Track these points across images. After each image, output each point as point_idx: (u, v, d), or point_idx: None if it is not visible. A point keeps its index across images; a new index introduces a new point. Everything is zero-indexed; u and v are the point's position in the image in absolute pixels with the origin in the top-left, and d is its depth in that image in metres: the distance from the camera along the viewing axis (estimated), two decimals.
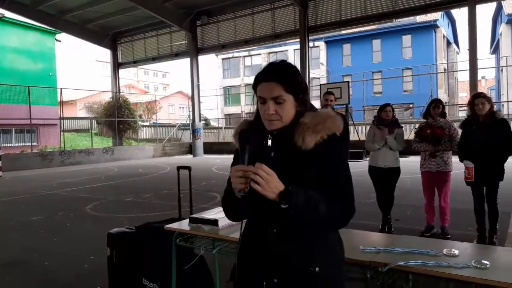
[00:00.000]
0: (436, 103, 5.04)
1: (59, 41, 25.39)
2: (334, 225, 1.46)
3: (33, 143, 20.73)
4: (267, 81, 1.44)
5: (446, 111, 5.45)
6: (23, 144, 21.36)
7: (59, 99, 21.91)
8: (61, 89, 21.55)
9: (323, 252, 1.43)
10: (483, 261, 1.91)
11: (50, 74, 24.33)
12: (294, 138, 1.43)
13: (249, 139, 1.45)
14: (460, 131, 4.76)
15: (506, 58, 26.60)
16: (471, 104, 4.47)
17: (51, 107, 22.56)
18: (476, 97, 4.46)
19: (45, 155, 18.26)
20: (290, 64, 1.52)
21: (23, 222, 6.73)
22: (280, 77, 1.43)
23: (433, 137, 4.87)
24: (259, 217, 1.49)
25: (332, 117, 1.48)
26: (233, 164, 1.52)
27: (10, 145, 21.10)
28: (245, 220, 1.58)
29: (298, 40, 18.23)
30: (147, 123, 30.17)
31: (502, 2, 25.77)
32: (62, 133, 20.89)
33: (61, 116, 22.06)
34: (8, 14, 20.96)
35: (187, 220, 2.97)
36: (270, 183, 1.29)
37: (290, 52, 35.64)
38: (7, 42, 22.36)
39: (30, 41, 23.58)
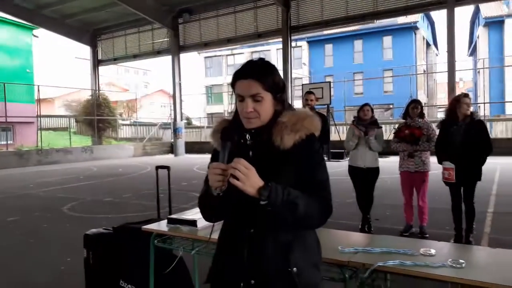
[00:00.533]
0: (415, 104, 5.12)
1: (37, 36, 24.91)
2: (312, 223, 1.45)
3: (9, 142, 20.21)
4: (245, 78, 1.43)
5: (425, 112, 5.53)
6: None
7: (36, 97, 21.40)
8: (38, 86, 21.07)
9: (301, 252, 1.43)
10: (459, 260, 1.94)
11: (28, 70, 23.78)
12: (272, 137, 1.42)
13: (231, 137, 1.44)
14: (437, 131, 4.83)
15: (483, 61, 27.34)
16: (457, 102, 4.47)
17: (28, 104, 22.03)
18: (465, 96, 4.52)
19: (21, 154, 17.83)
20: (268, 62, 1.50)
21: None
22: (258, 75, 1.42)
23: (411, 137, 4.94)
24: (236, 217, 1.48)
25: (310, 117, 1.47)
26: (210, 163, 1.50)
27: None
28: (218, 222, 1.56)
29: (281, 39, 18.29)
30: (128, 122, 29.77)
31: (479, 5, 26.43)
32: (39, 132, 20.40)
33: (39, 114, 21.54)
34: None
35: (165, 221, 2.93)
36: (249, 178, 1.28)
37: (273, 51, 35.73)
38: None
39: (6, 36, 22.99)
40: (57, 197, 9.03)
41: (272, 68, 1.49)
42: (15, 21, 22.32)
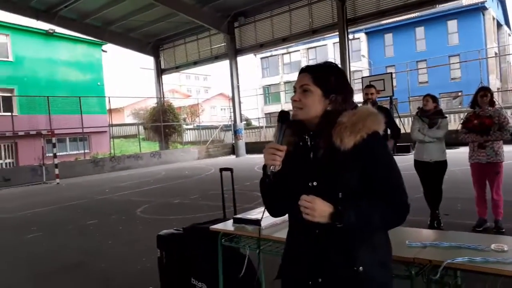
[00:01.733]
0: (484, 91, 4.79)
1: (105, 51, 26.58)
2: (388, 228, 1.48)
3: (86, 151, 21.89)
4: (302, 72, 1.53)
5: (499, 97, 5.21)
6: (77, 152, 22.60)
7: (107, 107, 22.97)
8: (109, 97, 22.60)
9: (368, 251, 1.42)
10: None
11: (99, 83, 25.53)
12: (332, 138, 1.42)
13: (287, 119, 1.50)
14: None
15: None
16: None
17: (100, 115, 23.68)
18: None
19: (97, 161, 19.20)
20: (330, 63, 1.55)
21: (80, 226, 7.16)
22: (311, 69, 1.51)
23: (481, 127, 4.65)
24: (301, 218, 1.47)
25: (372, 115, 1.45)
26: None
27: (65, 153, 22.38)
28: (279, 215, 1.65)
29: (337, 33, 17.94)
30: (191, 126, 30.89)
31: None
32: (111, 140, 21.90)
33: (110, 123, 23.13)
34: (58, 29, 22.23)
35: (231, 221, 3.05)
36: (315, 209, 1.33)
37: (329, 46, 35.07)
38: (59, 56, 23.72)
39: (79, 53, 24.87)
40: (131, 200, 9.65)
41: (330, 67, 1.52)
42: (86, 39, 24.10)
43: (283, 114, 1.51)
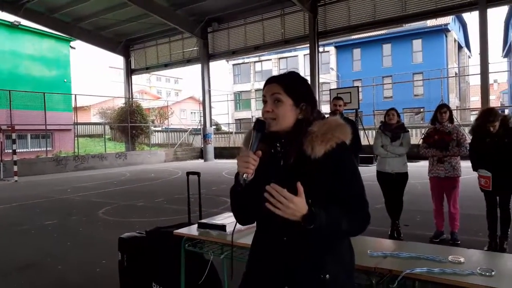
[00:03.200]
0: (443, 108, 5.03)
1: (74, 48, 25.84)
2: (352, 234, 1.50)
3: (48, 148, 21.12)
4: (270, 83, 1.53)
5: (458, 115, 5.44)
6: (39, 149, 21.78)
7: (73, 105, 22.30)
8: (75, 95, 21.95)
9: (334, 259, 1.44)
10: (489, 269, 1.91)
11: (65, 80, 24.75)
12: (303, 146, 1.44)
13: (262, 128, 1.48)
14: (470, 137, 4.72)
15: None
16: (482, 121, 4.34)
17: (65, 113, 22.94)
18: (489, 114, 4.34)
19: (59, 160, 18.57)
20: (297, 74, 1.58)
21: (37, 226, 6.88)
22: (281, 79, 1.52)
23: (440, 143, 4.87)
24: (269, 225, 1.50)
25: (340, 126, 1.49)
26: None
27: (26, 150, 21.49)
28: (248, 224, 1.62)
29: (308, 45, 18.30)
30: (159, 128, 30.45)
31: None
32: (76, 138, 21.23)
33: (75, 121, 22.43)
34: (24, 22, 21.42)
35: (196, 225, 3.03)
36: (288, 208, 1.30)
37: (300, 57, 35.65)
38: (23, 50, 22.81)
39: (46, 48, 24.03)
40: (93, 201, 9.38)
41: (299, 78, 1.56)
42: (54, 34, 23.33)
43: (259, 123, 1.50)
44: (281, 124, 1.49)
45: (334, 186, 1.43)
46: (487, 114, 4.42)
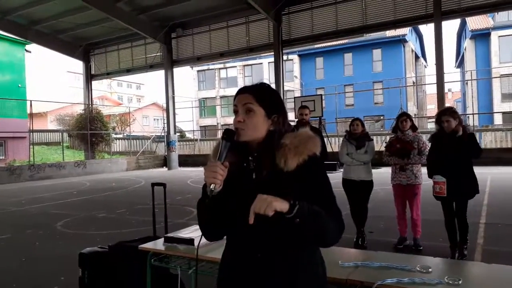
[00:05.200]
0: (404, 117, 5.18)
1: (29, 51, 24.83)
2: (331, 238, 1.44)
3: (1, 157, 20.03)
4: (242, 93, 1.51)
5: (416, 123, 5.61)
6: None
7: (28, 111, 21.30)
8: (30, 101, 20.97)
9: (307, 275, 1.43)
10: (456, 277, 1.98)
11: (20, 85, 23.68)
12: (275, 159, 1.43)
13: (231, 138, 1.45)
14: (429, 144, 4.85)
15: (471, 72, 27.79)
16: (438, 119, 4.45)
17: (20, 119, 21.91)
18: (442, 114, 4.44)
19: (13, 169, 17.65)
20: (268, 85, 1.57)
21: None
22: (253, 89, 1.50)
23: (402, 151, 5.01)
24: (243, 242, 1.47)
25: (312, 138, 1.49)
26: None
27: None
28: (215, 239, 1.59)
29: (273, 53, 18.50)
30: (121, 136, 29.68)
31: (466, 18, 26.96)
32: (31, 147, 20.25)
33: (31, 128, 21.42)
34: None
35: (162, 240, 2.93)
36: (268, 201, 1.26)
37: (265, 65, 35.99)
38: None
39: None
40: (50, 213, 8.95)
41: (270, 89, 1.55)
42: (8, 36, 22.33)
43: (229, 132, 1.47)
44: (251, 134, 1.46)
45: (307, 198, 1.41)
46: (442, 110, 4.60)
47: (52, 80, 47.64)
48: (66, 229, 7.20)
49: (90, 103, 24.43)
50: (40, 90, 35.22)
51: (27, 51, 24.61)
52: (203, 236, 1.58)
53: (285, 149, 1.43)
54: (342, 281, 2.06)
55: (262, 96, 1.49)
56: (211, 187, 1.37)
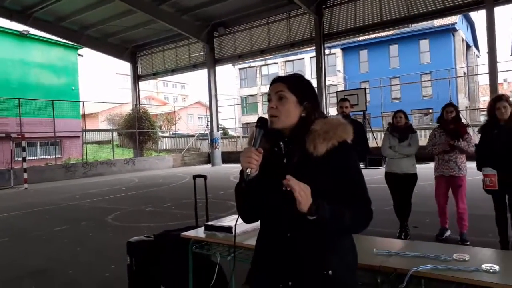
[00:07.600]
0: (449, 108, 4.99)
1: (81, 55, 26.14)
2: (356, 230, 1.53)
3: (57, 156, 21.33)
4: (275, 82, 1.59)
5: (467, 115, 5.40)
6: (48, 156, 22.02)
7: (81, 112, 22.53)
8: (83, 102, 22.19)
9: (337, 256, 1.47)
10: (493, 266, 1.92)
11: (73, 88, 25.03)
12: (305, 145, 1.48)
13: (265, 125, 1.53)
14: (478, 136, 4.62)
15: None
16: (491, 107, 4.18)
17: (74, 120, 23.17)
18: (498, 100, 4.16)
19: (68, 167, 18.74)
20: (301, 75, 1.64)
21: (47, 232, 6.95)
22: (286, 78, 1.58)
23: (456, 131, 4.82)
24: (273, 222, 1.53)
25: (342, 124, 1.53)
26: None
27: (35, 157, 21.74)
28: (252, 221, 1.66)
29: (314, 48, 18.30)
30: (167, 134, 30.61)
31: None
32: (84, 145, 21.42)
33: (84, 128, 22.65)
34: (33, 31, 21.73)
35: (202, 228, 3.05)
36: (305, 196, 1.33)
37: (306, 60, 35.67)
38: (32, 58, 23.14)
39: (54, 56, 24.33)
40: (102, 207, 9.45)
41: (302, 78, 1.62)
42: (62, 42, 23.63)
43: (262, 120, 1.55)
44: (284, 121, 1.52)
45: (337, 184, 1.46)
46: (497, 96, 4.32)
47: (102, 82, 49.96)
48: (116, 222, 7.59)
49: (138, 103, 25.37)
50: (91, 92, 37.09)
51: (79, 55, 25.93)
52: (239, 218, 1.67)
53: (314, 134, 1.48)
54: (375, 267, 2.06)
55: (294, 84, 1.55)
56: (247, 171, 1.45)
